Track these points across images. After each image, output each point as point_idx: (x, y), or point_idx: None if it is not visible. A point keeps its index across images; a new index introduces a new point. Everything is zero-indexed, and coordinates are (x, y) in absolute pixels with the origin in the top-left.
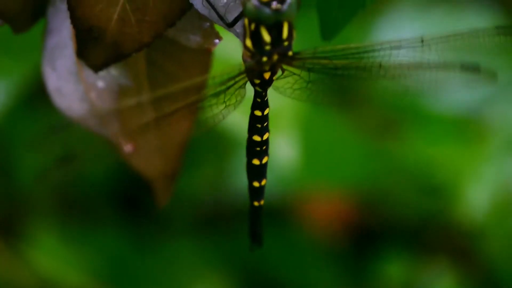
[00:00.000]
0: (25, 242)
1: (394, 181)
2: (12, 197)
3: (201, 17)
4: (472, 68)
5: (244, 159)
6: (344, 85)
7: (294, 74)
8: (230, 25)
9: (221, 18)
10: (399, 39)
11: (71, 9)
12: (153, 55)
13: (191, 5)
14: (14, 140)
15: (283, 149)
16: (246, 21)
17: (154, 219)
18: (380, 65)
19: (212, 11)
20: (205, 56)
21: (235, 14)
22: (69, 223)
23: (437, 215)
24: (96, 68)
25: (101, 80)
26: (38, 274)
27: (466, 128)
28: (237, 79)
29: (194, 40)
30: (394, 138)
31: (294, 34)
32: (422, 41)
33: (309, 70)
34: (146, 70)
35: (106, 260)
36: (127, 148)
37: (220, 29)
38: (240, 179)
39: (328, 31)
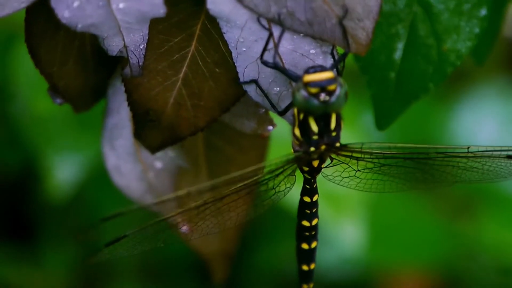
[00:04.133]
0: None
1: (470, 261)
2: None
3: (256, 104)
4: None
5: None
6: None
7: (343, 163)
8: (281, 114)
9: (273, 106)
10: (446, 146)
11: (128, 92)
12: (212, 138)
13: (245, 92)
14: (89, 209)
15: (350, 231)
16: (295, 110)
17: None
18: (425, 168)
19: (265, 98)
20: (262, 140)
21: (288, 102)
22: None
23: None
24: (153, 149)
25: (159, 161)
26: None
27: None
28: (285, 167)
29: (248, 125)
30: (469, 220)
31: (342, 125)
32: (468, 150)
33: (357, 159)
34: (204, 153)
35: None
36: (184, 229)
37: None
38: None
39: (383, 120)
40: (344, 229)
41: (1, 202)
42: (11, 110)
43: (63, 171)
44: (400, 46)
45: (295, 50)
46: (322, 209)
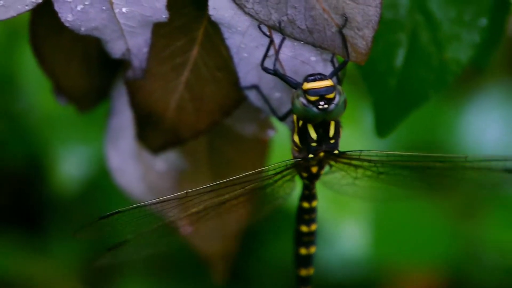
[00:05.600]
0: None
1: (475, 260)
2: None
3: (257, 109)
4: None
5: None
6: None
7: (342, 170)
8: (281, 119)
9: (274, 111)
10: (443, 155)
11: (131, 94)
12: (214, 140)
13: (247, 97)
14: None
15: (353, 231)
16: (294, 117)
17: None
18: (422, 177)
19: (266, 103)
20: (263, 143)
21: (288, 108)
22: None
23: None
24: (155, 151)
25: (161, 162)
26: None
27: None
28: (284, 173)
29: (249, 129)
30: (474, 219)
31: (341, 132)
32: (466, 159)
33: (356, 167)
34: (206, 155)
35: None
36: (185, 230)
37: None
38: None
39: (383, 127)
40: (347, 229)
41: (11, 193)
42: (19, 103)
43: (70, 165)
44: (401, 53)
45: (296, 57)
46: (325, 209)
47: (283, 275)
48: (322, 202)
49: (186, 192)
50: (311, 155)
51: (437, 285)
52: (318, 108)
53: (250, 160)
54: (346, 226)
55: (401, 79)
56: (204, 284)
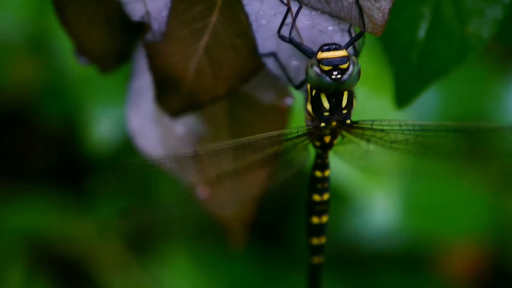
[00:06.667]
0: (157, 261)
1: None
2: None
3: (275, 76)
4: None
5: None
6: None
7: (353, 142)
8: (297, 87)
9: (290, 79)
10: (462, 124)
11: (150, 57)
12: (235, 107)
13: (265, 64)
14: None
15: (382, 202)
16: (308, 86)
17: (283, 250)
18: (437, 145)
19: (283, 71)
20: (282, 111)
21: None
22: (201, 248)
23: None
24: (173, 114)
25: (181, 127)
26: None
27: None
28: (297, 141)
29: (268, 97)
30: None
31: (355, 103)
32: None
33: (368, 140)
34: (227, 120)
35: (233, 287)
36: (201, 193)
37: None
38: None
39: (403, 98)
40: (377, 200)
41: (49, 153)
42: (56, 64)
43: (104, 126)
44: (423, 26)
45: (313, 26)
46: (356, 180)
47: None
48: (353, 173)
49: (196, 150)
50: (323, 124)
51: (480, 257)
52: (331, 78)
53: (270, 127)
54: (376, 197)
55: (422, 52)
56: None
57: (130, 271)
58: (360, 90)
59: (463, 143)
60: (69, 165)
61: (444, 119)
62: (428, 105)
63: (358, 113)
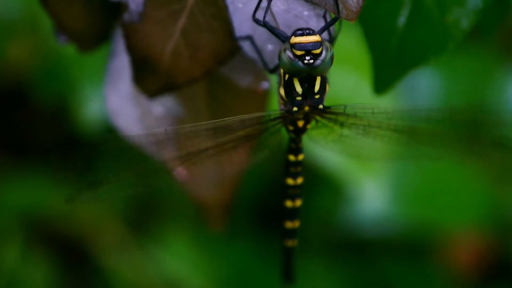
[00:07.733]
0: (157, 242)
1: None
2: (147, 198)
3: (253, 60)
4: None
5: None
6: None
7: (327, 126)
8: (271, 72)
9: (265, 63)
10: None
11: (127, 37)
12: (215, 90)
13: (240, 47)
14: None
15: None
16: (281, 70)
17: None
18: (410, 129)
19: (258, 55)
20: (260, 94)
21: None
22: (201, 229)
23: None
24: (150, 95)
25: (159, 107)
26: (164, 274)
27: None
28: (269, 124)
29: (245, 80)
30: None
31: (327, 88)
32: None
33: (341, 124)
34: (206, 104)
35: (232, 269)
36: (179, 174)
37: None
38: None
39: (381, 84)
40: (367, 188)
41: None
42: (51, 42)
43: (94, 106)
44: (404, 13)
45: (289, 11)
46: (346, 167)
47: (325, 230)
48: (343, 160)
49: (165, 129)
50: (295, 108)
51: (479, 245)
52: (303, 63)
53: (248, 110)
54: (366, 185)
55: (402, 39)
56: None
57: (129, 251)
58: (353, 76)
59: (446, 129)
60: (66, 144)
61: None
62: (429, 95)
63: (351, 98)
